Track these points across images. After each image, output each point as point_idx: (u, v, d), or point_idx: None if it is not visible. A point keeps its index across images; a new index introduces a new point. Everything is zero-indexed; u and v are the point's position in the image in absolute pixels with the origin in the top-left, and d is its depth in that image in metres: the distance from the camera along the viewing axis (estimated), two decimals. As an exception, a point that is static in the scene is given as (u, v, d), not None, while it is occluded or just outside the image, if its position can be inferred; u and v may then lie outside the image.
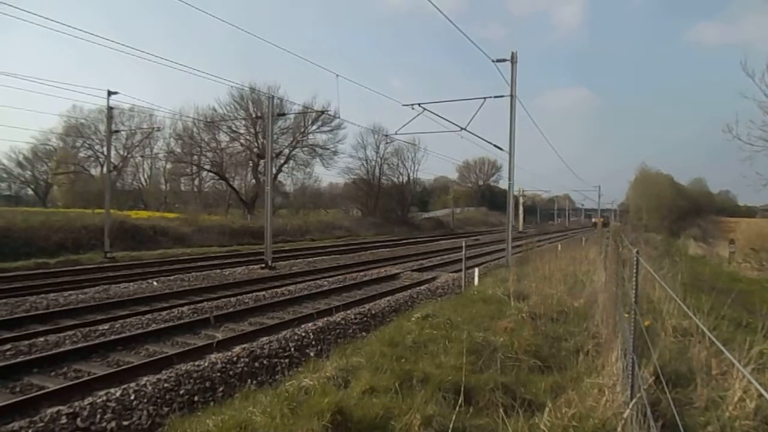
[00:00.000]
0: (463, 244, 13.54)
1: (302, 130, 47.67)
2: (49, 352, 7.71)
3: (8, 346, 8.04)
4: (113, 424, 5.54)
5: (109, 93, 22.96)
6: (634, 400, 3.43)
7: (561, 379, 5.30)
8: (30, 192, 59.54)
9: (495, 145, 20.40)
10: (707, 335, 4.43)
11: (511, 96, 18.38)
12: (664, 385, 3.70)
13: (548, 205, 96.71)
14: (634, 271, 4.19)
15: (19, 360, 7.32)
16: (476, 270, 13.80)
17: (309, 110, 41.44)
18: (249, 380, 7.04)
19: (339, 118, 44.04)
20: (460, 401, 4.22)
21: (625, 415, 3.42)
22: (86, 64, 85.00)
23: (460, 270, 13.65)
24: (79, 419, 5.43)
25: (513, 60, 18.13)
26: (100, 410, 5.64)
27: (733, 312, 8.48)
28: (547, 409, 4.16)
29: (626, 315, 5.04)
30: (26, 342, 8.26)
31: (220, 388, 6.75)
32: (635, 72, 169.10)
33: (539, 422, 4.02)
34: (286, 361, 7.96)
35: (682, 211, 59.51)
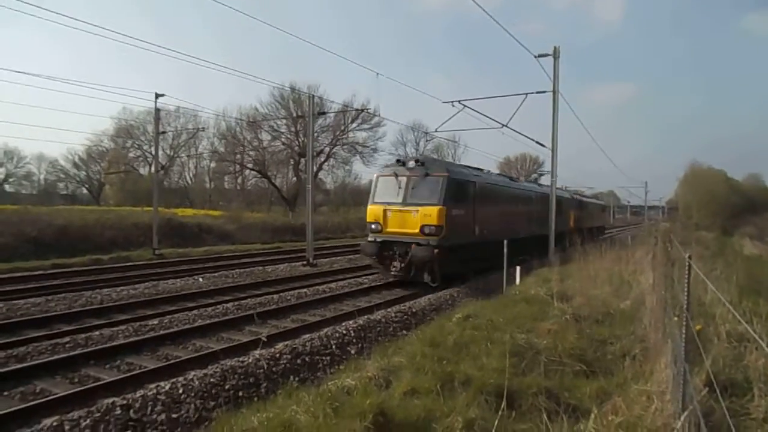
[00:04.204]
0: (505, 242, 13.35)
1: (342, 128, 48.15)
2: (104, 346, 8.10)
3: (67, 339, 8.47)
4: (163, 416, 5.76)
5: (157, 95, 23.78)
6: (686, 412, 3.30)
7: (607, 385, 5.16)
8: (85, 191, 62.49)
9: (537, 142, 19.85)
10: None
11: (554, 92, 18.00)
12: (718, 395, 3.55)
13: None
14: (686, 274, 4.03)
15: (77, 352, 7.72)
16: (518, 269, 13.56)
17: (349, 108, 41.76)
18: (291, 377, 7.17)
19: (379, 116, 44.10)
20: (502, 405, 4.18)
21: (677, 426, 3.30)
22: (135, 67, 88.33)
23: (501, 268, 13.47)
24: (131, 411, 5.66)
25: (555, 55, 17.76)
26: (151, 402, 5.86)
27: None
28: (592, 415, 4.06)
29: (675, 319, 4.86)
30: (83, 335, 8.69)
31: (264, 384, 6.90)
32: (683, 65, 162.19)
33: (584, 429, 3.93)
34: (328, 358, 8.07)
35: (737, 208, 56.59)
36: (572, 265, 14.24)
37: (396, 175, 14.35)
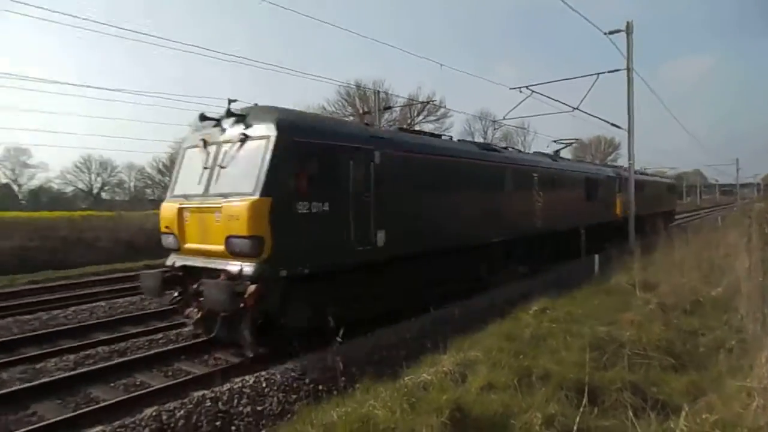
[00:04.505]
0: (582, 230, 12.83)
1: (409, 121, 48.16)
2: (193, 341, 8.61)
3: (160, 335, 9.12)
4: (248, 408, 6.04)
5: (229, 101, 24.83)
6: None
7: (699, 380, 4.86)
8: (169, 196, 66.72)
9: (612, 123, 19.02)
10: None
11: (628, 69, 17.04)
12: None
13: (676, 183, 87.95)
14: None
15: (170, 347, 8.30)
16: (596, 257, 13.01)
17: (414, 102, 41.70)
18: (369, 371, 7.27)
19: (444, 107, 43.72)
20: (584, 401, 4.05)
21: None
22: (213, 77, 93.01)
23: (579, 258, 12.98)
24: (220, 403, 5.99)
25: (628, 30, 16.78)
26: (237, 395, 6.17)
27: None
28: (683, 412, 3.83)
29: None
30: (174, 332, 9.29)
31: (342, 378, 7.06)
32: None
33: (675, 427, 3.72)
34: (404, 352, 8.12)
35: None
36: (655, 251, 13.47)
37: (205, 144, 8.08)
